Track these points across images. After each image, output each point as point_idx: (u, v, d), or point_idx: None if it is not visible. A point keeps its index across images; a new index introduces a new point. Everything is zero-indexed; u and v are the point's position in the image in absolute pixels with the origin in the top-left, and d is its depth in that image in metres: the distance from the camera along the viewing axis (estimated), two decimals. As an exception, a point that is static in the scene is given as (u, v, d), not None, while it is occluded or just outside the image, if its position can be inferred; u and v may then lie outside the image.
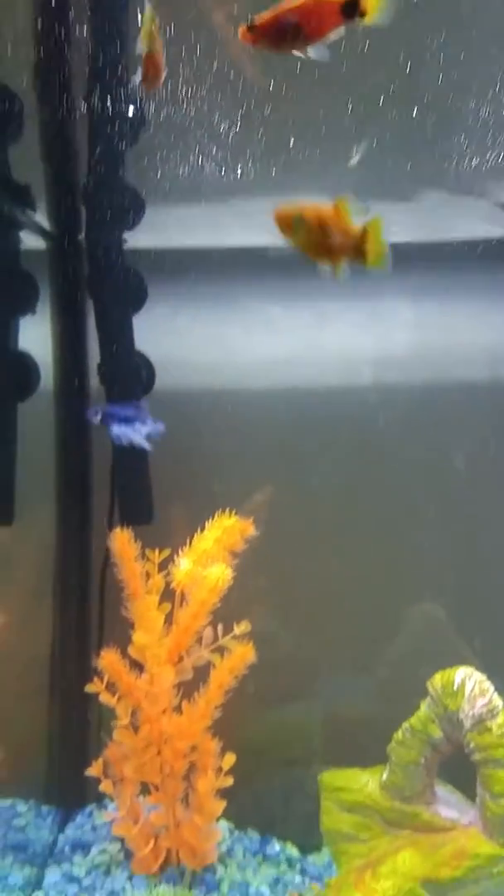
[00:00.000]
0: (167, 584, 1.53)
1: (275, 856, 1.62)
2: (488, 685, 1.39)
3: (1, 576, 1.82)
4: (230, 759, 1.53)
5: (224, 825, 1.69)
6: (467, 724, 1.36)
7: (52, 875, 1.52)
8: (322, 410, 1.85)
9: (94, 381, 1.76)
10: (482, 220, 1.83)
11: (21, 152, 1.61)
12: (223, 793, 1.53)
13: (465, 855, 1.28)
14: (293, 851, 1.64)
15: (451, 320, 1.89)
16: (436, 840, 1.34)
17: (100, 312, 1.69)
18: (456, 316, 1.88)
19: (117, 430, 1.46)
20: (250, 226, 1.80)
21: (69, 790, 1.75)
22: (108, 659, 1.51)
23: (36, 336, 1.76)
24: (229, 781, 1.53)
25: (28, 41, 1.58)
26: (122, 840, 1.58)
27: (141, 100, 1.55)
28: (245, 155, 1.66)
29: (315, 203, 1.09)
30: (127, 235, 1.66)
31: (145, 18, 1.24)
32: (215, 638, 1.54)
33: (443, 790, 1.45)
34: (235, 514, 1.50)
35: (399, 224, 1.80)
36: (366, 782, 1.47)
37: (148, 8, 1.25)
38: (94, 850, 1.59)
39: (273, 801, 1.77)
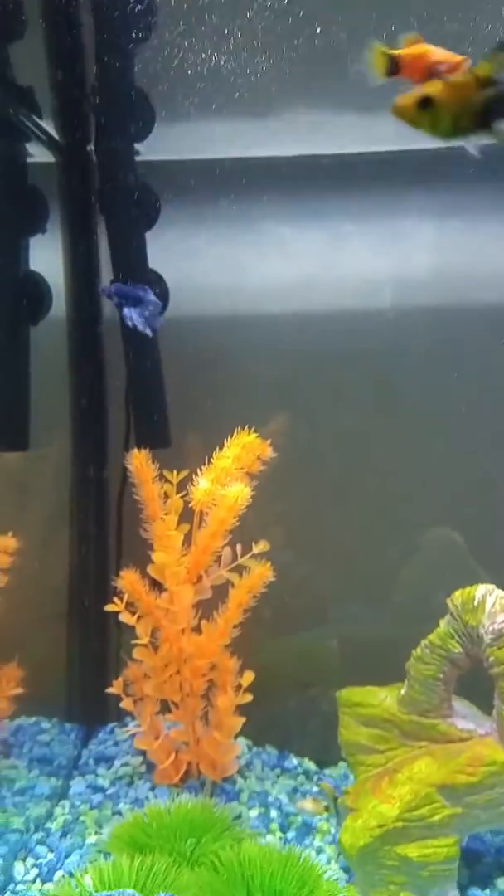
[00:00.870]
0: (185, 506, 1.53)
1: (292, 769, 1.67)
2: (508, 601, 1.38)
3: (19, 501, 1.83)
4: (249, 677, 1.55)
5: (243, 742, 1.73)
6: (487, 638, 1.36)
7: (78, 786, 1.56)
8: (339, 335, 1.81)
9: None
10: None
11: (24, 51, 1.52)
12: (242, 711, 1.56)
13: (481, 762, 1.30)
14: (310, 765, 1.69)
15: (475, 240, 1.82)
16: (452, 749, 1.36)
17: (112, 230, 1.64)
18: (480, 235, 1.82)
19: (127, 311, 1.45)
20: (269, 138, 1.73)
21: (91, 709, 1.79)
22: (127, 579, 1.52)
23: (47, 257, 1.72)
24: (248, 698, 1.56)
25: None
26: (143, 754, 1.62)
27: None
28: (263, 60, 1.58)
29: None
30: (139, 147, 1.60)
31: None
32: (234, 558, 1.55)
33: (460, 704, 1.47)
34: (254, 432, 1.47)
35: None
36: (384, 698, 1.48)
37: None
38: (116, 763, 1.64)
39: (289, 720, 1.81)
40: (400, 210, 1.82)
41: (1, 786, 1.51)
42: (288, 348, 1.82)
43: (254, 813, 1.47)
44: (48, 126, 1.61)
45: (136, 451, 1.53)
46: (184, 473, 1.52)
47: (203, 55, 1.48)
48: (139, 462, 1.51)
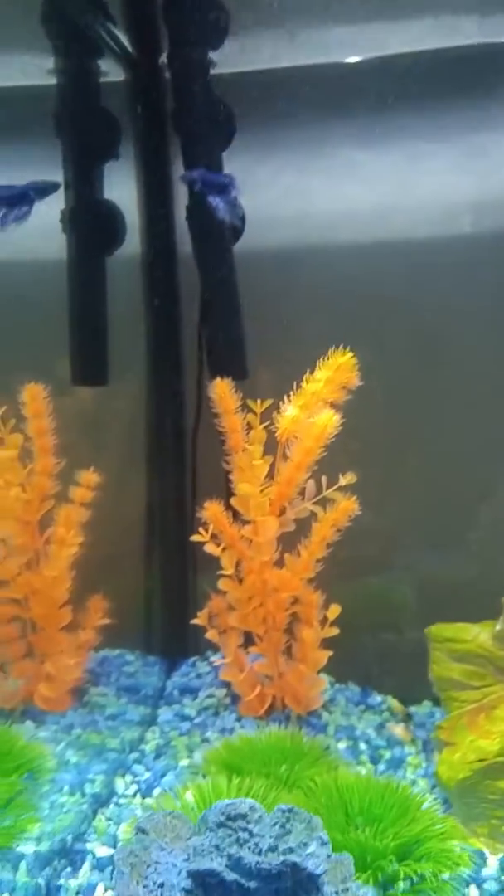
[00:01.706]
0: (268, 437, 1.48)
1: (377, 706, 1.64)
2: None
3: (97, 438, 1.82)
4: (335, 610, 1.52)
5: (325, 678, 1.71)
6: None
7: (165, 714, 1.58)
8: (416, 263, 1.70)
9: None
10: None
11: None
12: (325, 646, 1.54)
13: None
14: (394, 703, 1.66)
15: None
16: None
17: (188, 151, 1.57)
18: None
19: (212, 199, 1.39)
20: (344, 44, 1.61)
21: (172, 643, 1.80)
22: (211, 510, 1.50)
23: (120, 184, 1.66)
24: (335, 631, 1.53)
25: None
26: (227, 686, 1.62)
27: None
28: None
29: None
30: (213, 56, 1.51)
31: None
32: (318, 491, 1.50)
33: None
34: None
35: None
36: (477, 633, 1.43)
37: None
38: (201, 695, 1.65)
39: (370, 659, 1.78)
40: (483, 123, 1.68)
41: (93, 711, 1.54)
42: (363, 280, 1.73)
43: (342, 745, 1.45)
44: (120, 35, 1.53)
45: (218, 380, 1.48)
46: (268, 402, 1.47)
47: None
48: (222, 390, 1.47)
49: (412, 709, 1.63)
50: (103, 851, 1.13)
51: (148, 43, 1.52)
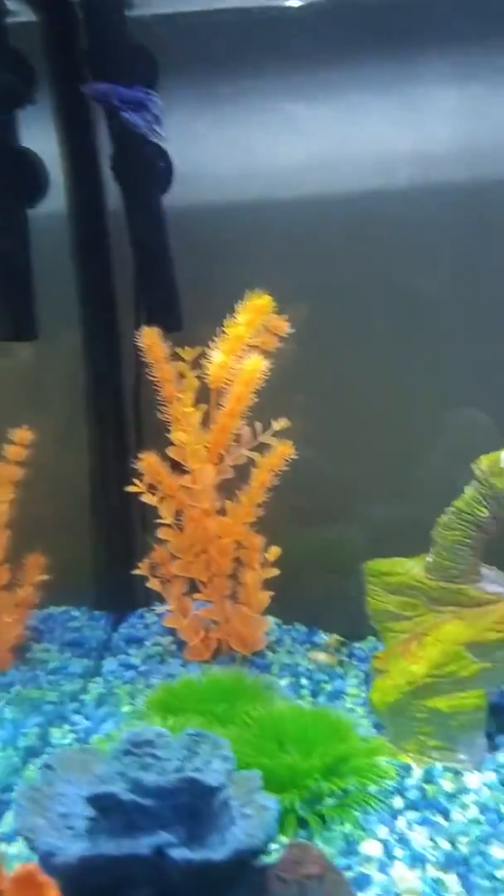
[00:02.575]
0: (202, 386, 1.48)
1: (322, 643, 1.69)
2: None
3: (34, 395, 1.80)
4: (275, 552, 1.56)
5: (272, 620, 1.75)
6: (515, 501, 1.33)
7: (110, 665, 1.60)
8: (354, 216, 1.70)
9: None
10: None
11: None
12: (271, 591, 1.57)
13: (511, 619, 1.30)
14: (332, 638, 1.70)
15: (496, 108, 1.67)
16: (480, 612, 1.36)
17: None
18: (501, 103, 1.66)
19: (128, 115, 1.33)
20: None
21: (118, 596, 1.82)
22: (147, 461, 1.50)
23: (38, 130, 1.61)
24: (275, 572, 1.56)
25: None
26: (173, 633, 1.65)
27: None
28: None
29: None
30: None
31: None
32: (254, 436, 1.52)
33: (488, 570, 1.46)
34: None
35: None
36: (411, 567, 1.48)
37: None
38: (147, 644, 1.67)
39: (316, 601, 1.82)
40: (418, 75, 1.67)
41: (35, 668, 1.55)
42: (302, 235, 1.72)
43: (284, 682, 1.50)
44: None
45: (146, 328, 1.47)
46: (198, 350, 1.47)
47: None
48: (150, 340, 1.46)
49: (357, 645, 1.68)
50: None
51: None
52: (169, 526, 1.54)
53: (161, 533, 1.55)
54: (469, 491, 1.41)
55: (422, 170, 1.70)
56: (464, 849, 1.01)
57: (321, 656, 1.55)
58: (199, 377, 1.49)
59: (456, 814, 1.09)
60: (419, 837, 1.04)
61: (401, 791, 1.14)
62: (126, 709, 1.40)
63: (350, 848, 1.01)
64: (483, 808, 1.10)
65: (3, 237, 1.54)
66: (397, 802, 1.12)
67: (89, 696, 1.46)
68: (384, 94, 1.69)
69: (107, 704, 1.42)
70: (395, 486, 1.81)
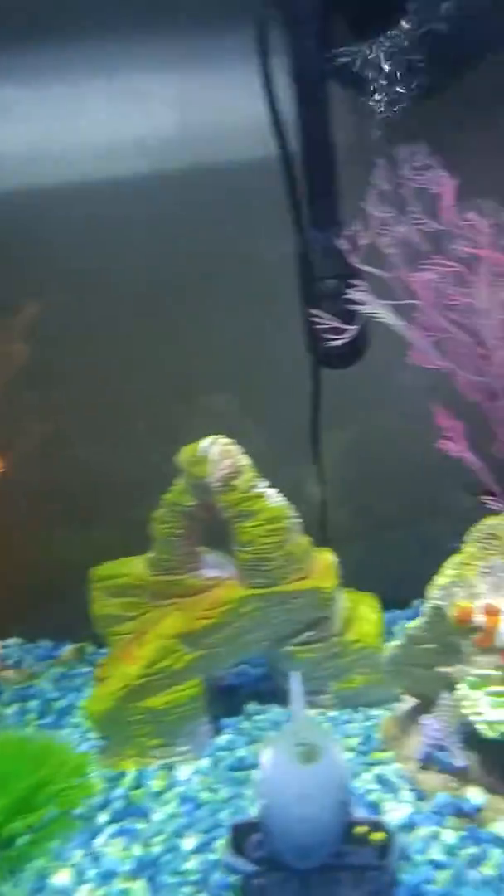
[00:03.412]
0: None
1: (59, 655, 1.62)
2: (234, 448, 1.37)
3: None
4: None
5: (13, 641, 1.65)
6: (215, 487, 1.35)
7: None
8: (78, 208, 1.62)
9: None
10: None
11: None
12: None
13: (219, 603, 1.32)
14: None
15: (219, 93, 1.66)
16: (196, 600, 1.37)
17: None
18: (223, 88, 1.64)
19: None
20: None
21: None
22: None
23: None
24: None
25: None
26: None
27: None
28: None
29: None
30: None
31: None
32: None
33: (212, 556, 1.47)
34: None
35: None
36: (135, 566, 1.45)
37: None
38: None
39: (66, 612, 1.74)
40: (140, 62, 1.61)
41: None
42: (18, 226, 1.60)
43: (11, 710, 1.41)
44: None
45: None
46: None
47: None
48: None
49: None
50: None
51: None
52: None
53: None
54: (176, 483, 1.40)
55: (144, 158, 1.66)
56: (157, 849, 1.00)
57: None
58: None
59: (156, 813, 1.08)
60: (114, 850, 1.02)
61: (107, 804, 1.10)
62: None
63: (40, 884, 0.96)
64: (183, 800, 1.10)
65: None
66: (103, 818, 1.08)
67: None
68: (105, 79, 1.62)
69: None
70: (151, 485, 1.79)
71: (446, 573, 1.17)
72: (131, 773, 1.18)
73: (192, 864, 0.97)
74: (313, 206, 1.53)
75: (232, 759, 1.19)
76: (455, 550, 1.22)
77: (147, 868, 0.97)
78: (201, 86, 1.67)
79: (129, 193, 1.65)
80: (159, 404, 1.73)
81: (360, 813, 0.92)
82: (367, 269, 1.44)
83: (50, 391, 1.71)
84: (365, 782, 1.11)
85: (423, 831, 1.01)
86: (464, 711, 1.06)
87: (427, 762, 1.11)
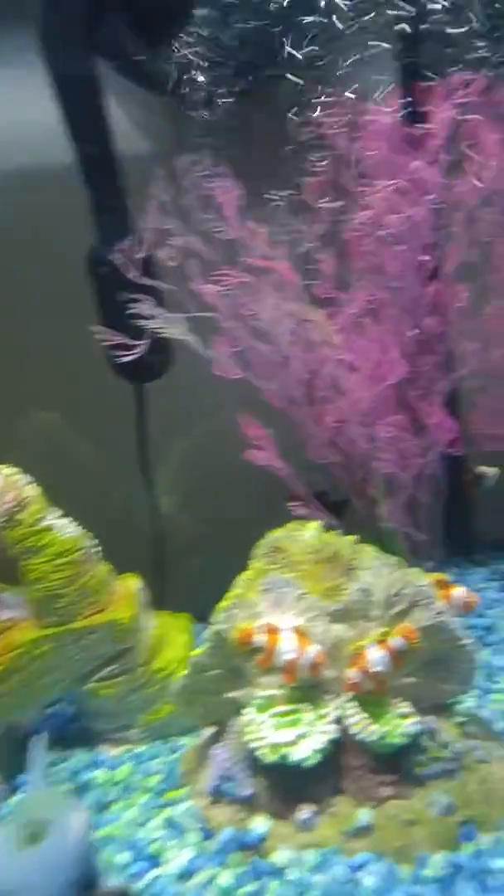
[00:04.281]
0: None
1: None
2: (18, 478, 1.28)
3: None
4: None
5: None
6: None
7: None
8: None
9: None
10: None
11: None
12: None
13: (11, 647, 1.23)
14: None
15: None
16: (-5, 645, 1.28)
17: None
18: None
19: None
20: None
21: None
22: None
23: None
24: None
25: None
26: None
27: None
28: None
29: None
30: None
31: None
32: None
33: (6, 595, 1.37)
34: None
35: None
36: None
37: None
38: None
39: None
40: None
41: None
42: None
43: None
44: None
45: None
46: None
47: None
48: None
49: None
50: None
51: None
52: None
53: None
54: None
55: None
56: None
57: None
58: None
59: None
60: None
61: None
62: None
63: None
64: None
65: None
66: None
67: None
68: None
69: None
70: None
71: (228, 595, 1.13)
72: None
73: None
74: (97, 218, 1.47)
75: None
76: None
77: None
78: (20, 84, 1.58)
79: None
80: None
81: (111, 881, 0.85)
82: (152, 282, 1.40)
83: None
84: (151, 830, 1.05)
85: (201, 877, 0.95)
86: (246, 738, 1.03)
87: (216, 795, 1.07)
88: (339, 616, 1.08)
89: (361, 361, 1.44)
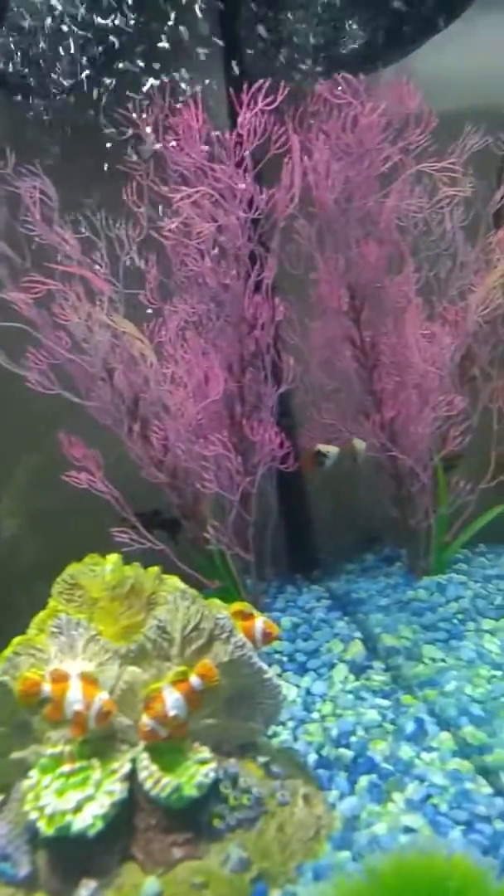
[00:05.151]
0: None
1: None
2: None
3: None
4: None
5: None
6: None
7: None
8: None
9: None
10: None
11: None
12: None
13: None
14: None
15: None
16: None
17: None
18: None
19: None
20: None
21: None
22: None
23: None
24: None
25: None
26: None
27: None
28: None
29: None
30: None
31: None
32: None
33: None
34: None
35: None
36: None
37: None
38: None
39: None
40: None
41: None
42: None
43: None
44: None
45: None
46: None
47: None
48: None
49: None
50: None
51: None
52: None
53: None
54: None
55: None
56: None
57: None
58: None
59: None
60: None
61: None
62: None
63: None
64: None
65: None
66: None
67: None
68: None
69: None
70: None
71: (14, 641, 1.01)
72: None
73: None
74: None
75: None
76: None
77: None
78: None
79: None
80: None
81: None
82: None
83: None
84: None
85: None
86: (26, 807, 0.91)
87: (-9, 877, 0.94)
88: (135, 657, 0.99)
89: (185, 376, 1.37)
